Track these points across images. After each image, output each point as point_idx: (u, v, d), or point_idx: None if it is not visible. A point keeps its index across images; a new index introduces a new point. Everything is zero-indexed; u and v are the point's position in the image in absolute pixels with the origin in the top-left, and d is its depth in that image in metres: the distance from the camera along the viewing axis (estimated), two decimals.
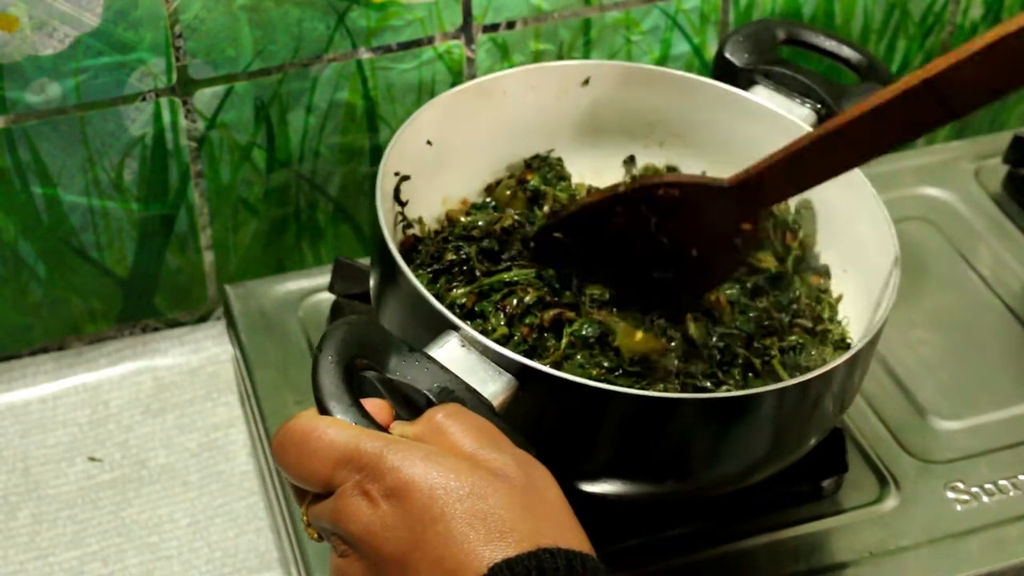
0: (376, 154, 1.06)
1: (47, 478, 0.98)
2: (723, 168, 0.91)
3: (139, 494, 0.97)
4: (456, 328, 0.76)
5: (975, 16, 1.18)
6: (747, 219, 0.83)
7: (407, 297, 0.80)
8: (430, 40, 1.02)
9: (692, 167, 0.98)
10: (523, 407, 0.76)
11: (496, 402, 0.74)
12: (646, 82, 0.96)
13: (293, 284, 1.03)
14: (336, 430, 0.66)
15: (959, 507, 0.90)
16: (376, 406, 0.69)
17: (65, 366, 1.04)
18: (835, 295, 0.93)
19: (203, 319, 1.09)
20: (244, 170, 1.03)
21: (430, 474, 0.63)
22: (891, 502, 0.91)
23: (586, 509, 0.71)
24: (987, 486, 0.92)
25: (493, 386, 0.75)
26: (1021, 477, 0.92)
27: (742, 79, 0.96)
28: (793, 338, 0.88)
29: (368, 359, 0.72)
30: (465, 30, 1.03)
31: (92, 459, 0.99)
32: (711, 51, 1.10)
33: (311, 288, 1.03)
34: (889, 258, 0.85)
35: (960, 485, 0.92)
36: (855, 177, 0.89)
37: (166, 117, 0.98)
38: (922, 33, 1.17)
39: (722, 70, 0.97)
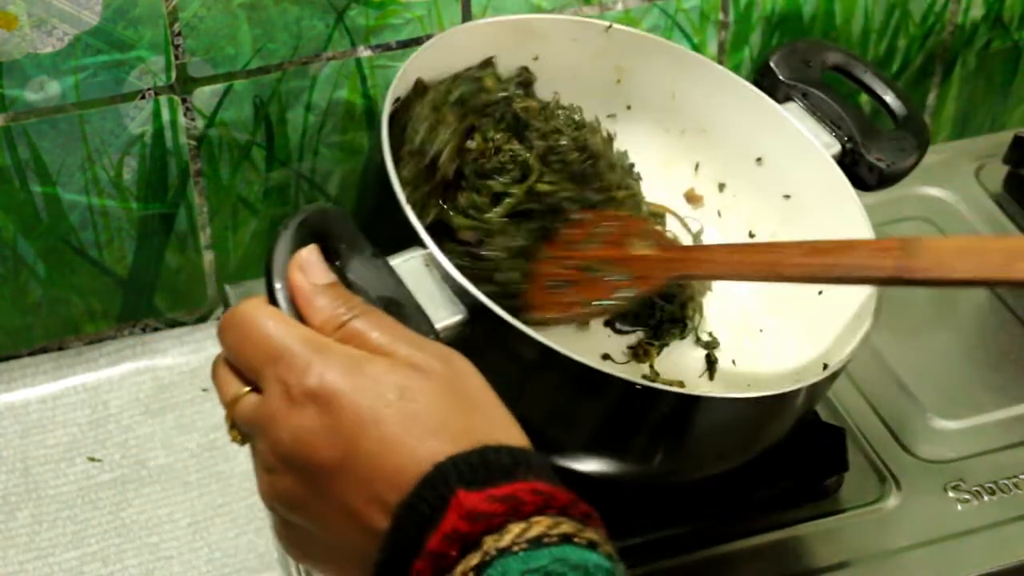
0: None
1: (47, 478, 0.98)
2: (730, 168, 0.93)
3: (139, 494, 0.97)
4: (424, 246, 0.74)
5: (975, 16, 1.18)
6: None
7: (387, 205, 0.77)
8: (429, 38, 1.02)
9: (705, 158, 0.98)
10: (470, 345, 0.70)
11: (439, 327, 0.71)
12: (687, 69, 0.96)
13: None
14: (274, 324, 0.65)
15: (959, 507, 0.90)
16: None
17: (65, 366, 1.04)
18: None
19: (203, 319, 1.09)
20: (243, 169, 1.03)
21: (357, 381, 0.62)
22: (891, 502, 0.91)
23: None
24: (987, 486, 0.92)
25: (443, 312, 0.72)
26: (1021, 477, 0.92)
27: (780, 92, 0.96)
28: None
29: (329, 249, 0.69)
30: None
31: (92, 459, 0.99)
32: (711, 50, 1.10)
33: None
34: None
35: (960, 485, 0.92)
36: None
37: (165, 115, 0.98)
38: (922, 33, 1.17)
39: (763, 77, 0.97)
